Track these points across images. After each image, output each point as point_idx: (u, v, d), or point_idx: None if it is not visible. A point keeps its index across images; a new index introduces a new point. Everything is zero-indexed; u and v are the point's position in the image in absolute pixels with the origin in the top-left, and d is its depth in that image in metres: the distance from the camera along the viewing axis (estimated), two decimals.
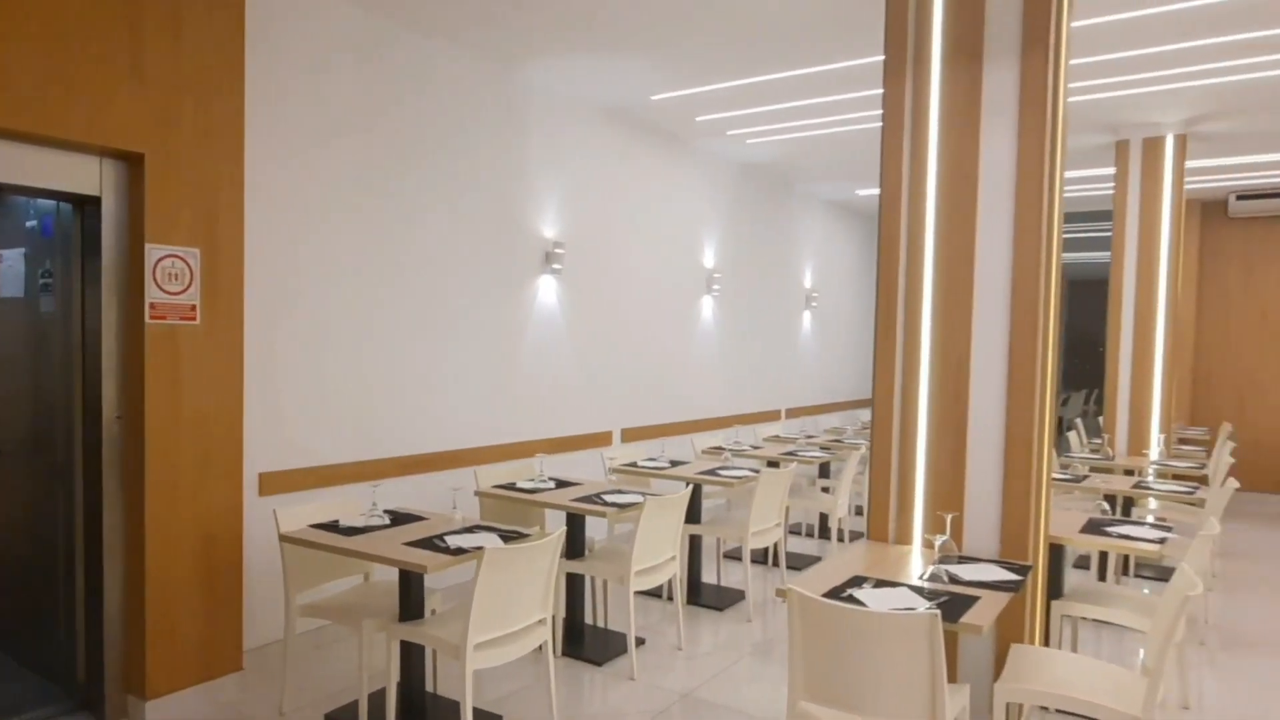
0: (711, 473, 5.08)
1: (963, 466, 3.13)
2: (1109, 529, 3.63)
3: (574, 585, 4.37)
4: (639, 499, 4.07)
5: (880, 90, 3.28)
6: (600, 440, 6.40)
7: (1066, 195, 8.92)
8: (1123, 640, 4.54)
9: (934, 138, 3.13)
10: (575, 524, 4.29)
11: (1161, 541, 3.43)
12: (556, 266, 5.85)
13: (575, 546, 4.30)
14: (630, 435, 6.71)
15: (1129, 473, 5.97)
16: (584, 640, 4.29)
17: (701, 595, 5.13)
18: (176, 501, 3.44)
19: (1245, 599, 5.37)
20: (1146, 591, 4.70)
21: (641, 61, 5.19)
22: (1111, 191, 6.84)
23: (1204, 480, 6.17)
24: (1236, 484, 4.80)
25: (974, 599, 2.55)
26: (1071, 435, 7.27)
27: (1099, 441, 6.83)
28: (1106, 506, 4.03)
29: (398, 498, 4.73)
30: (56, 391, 3.55)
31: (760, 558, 6.09)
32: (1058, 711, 3.39)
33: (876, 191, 3.37)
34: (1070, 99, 5.68)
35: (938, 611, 2.18)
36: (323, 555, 3.47)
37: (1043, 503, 3.15)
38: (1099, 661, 2.89)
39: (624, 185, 6.58)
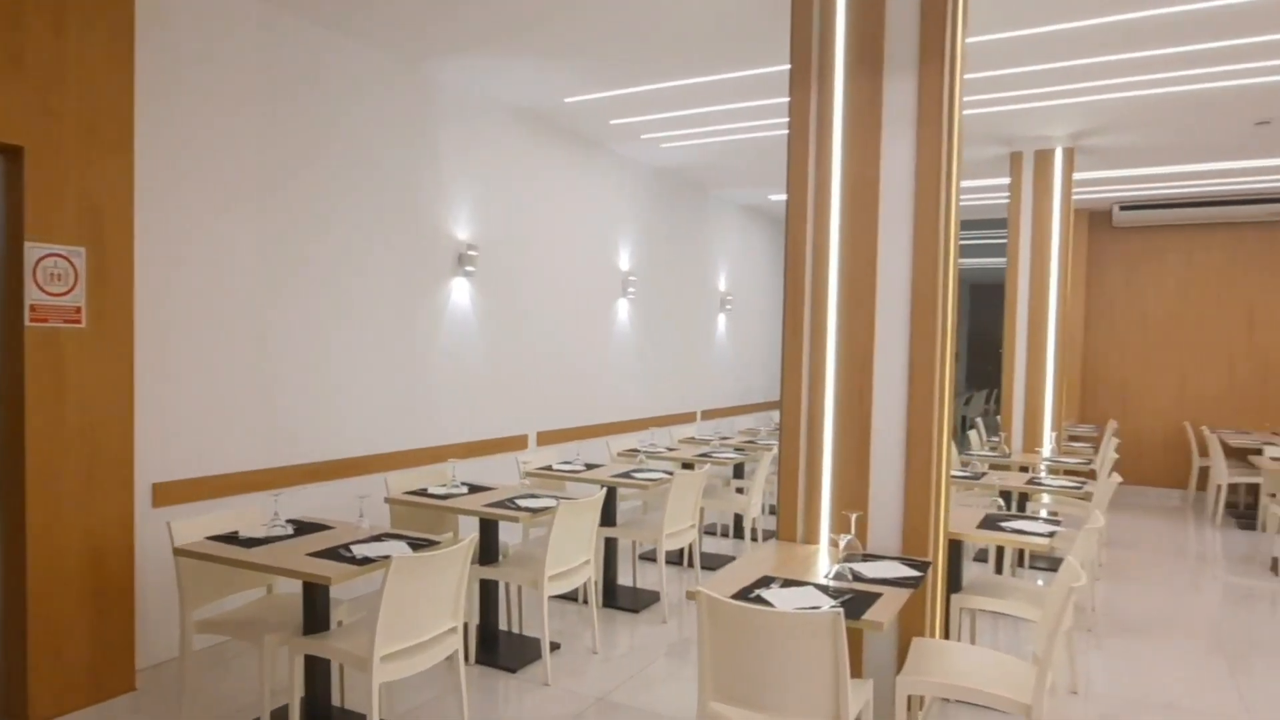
0: (626, 475, 5.10)
1: (867, 467, 3.22)
2: (1004, 524, 3.80)
3: (488, 591, 4.32)
4: (553, 503, 4.05)
5: (787, 98, 3.36)
6: (515, 444, 6.34)
7: (968, 203, 9.33)
8: (1019, 630, 4.76)
9: (838, 146, 3.22)
10: (488, 529, 4.24)
11: (1051, 535, 3.60)
12: (470, 269, 5.77)
13: (489, 552, 4.25)
14: (545, 438, 6.67)
15: (1024, 469, 6.26)
16: (498, 647, 4.25)
17: (617, 598, 5.14)
18: (61, 515, 3.25)
19: (1129, 586, 5.70)
20: (1040, 583, 4.93)
21: (554, 63, 5.18)
22: (1008, 200, 7.17)
23: (1092, 475, 6.52)
24: (1119, 478, 5.09)
25: (876, 596, 2.63)
26: (972, 434, 7.58)
27: (997, 439, 7.14)
28: (1001, 503, 4.21)
29: (302, 507, 4.58)
30: None
31: (676, 558, 6.15)
32: (958, 701, 3.54)
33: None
34: (967, 112, 5.93)
35: (840, 610, 2.24)
36: (221, 568, 3.33)
37: (943, 501, 3.27)
38: (994, 652, 3.02)
39: (539, 187, 6.54)
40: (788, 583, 2.74)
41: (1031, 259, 6.99)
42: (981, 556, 6.25)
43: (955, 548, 3.79)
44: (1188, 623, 4.95)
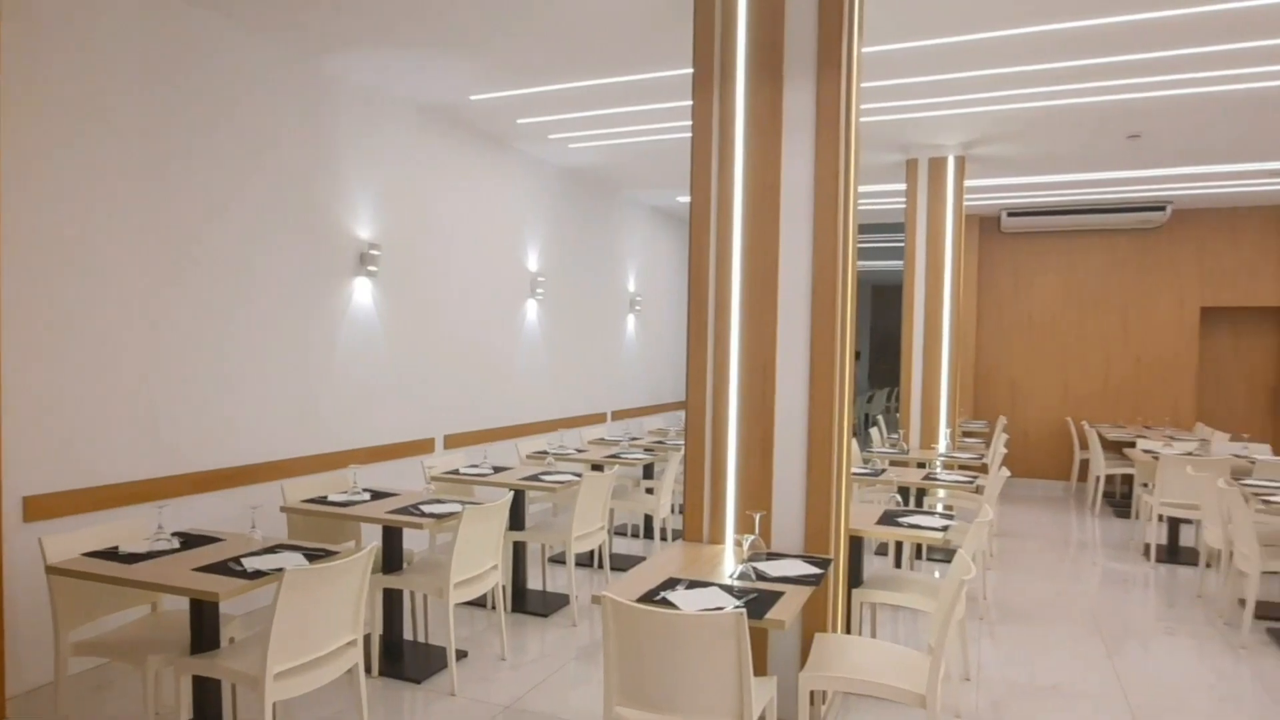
0: (535, 478, 5.05)
1: (770, 467, 3.28)
2: (901, 519, 3.93)
3: (392, 601, 4.21)
4: (458, 508, 3.97)
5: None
6: (422, 448, 6.20)
7: (869, 207, 9.63)
8: (917, 621, 4.93)
9: (740, 151, 3.27)
10: (392, 537, 4.13)
11: (945, 529, 3.75)
12: (372, 268, 5.61)
13: (392, 560, 4.14)
14: (453, 441, 6.55)
15: (921, 465, 6.50)
16: (403, 658, 4.14)
17: (527, 602, 5.08)
18: None
19: (1018, 574, 5.99)
20: (937, 574, 5.12)
21: (458, 60, 5.08)
22: (905, 205, 7.44)
23: (984, 469, 6.83)
24: (1008, 472, 5.34)
25: (779, 594, 2.68)
26: (874, 431, 7.82)
27: (896, 436, 7.40)
28: (899, 498, 4.35)
29: (190, 519, 4.36)
30: None
31: (586, 561, 6.13)
32: (859, 694, 3.64)
33: None
34: (866, 119, 6.12)
35: (744, 610, 2.27)
36: (100, 586, 3.13)
37: (844, 499, 3.36)
38: (893, 644, 3.11)
39: (444, 186, 6.41)
40: (693, 584, 2.76)
41: (927, 262, 7.27)
42: (883, 550, 6.45)
43: (856, 544, 3.90)
44: (1070, 608, 5.23)
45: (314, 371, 5.21)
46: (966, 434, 9.35)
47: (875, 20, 4.25)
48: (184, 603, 3.08)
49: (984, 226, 10.05)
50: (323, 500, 4.20)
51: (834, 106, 3.13)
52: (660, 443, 7.23)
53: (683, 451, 6.26)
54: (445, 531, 4.61)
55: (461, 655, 4.23)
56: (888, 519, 3.96)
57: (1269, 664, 4.36)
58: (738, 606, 2.41)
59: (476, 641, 4.46)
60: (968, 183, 7.98)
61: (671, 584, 2.76)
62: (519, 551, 5.17)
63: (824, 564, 3.05)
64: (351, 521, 4.30)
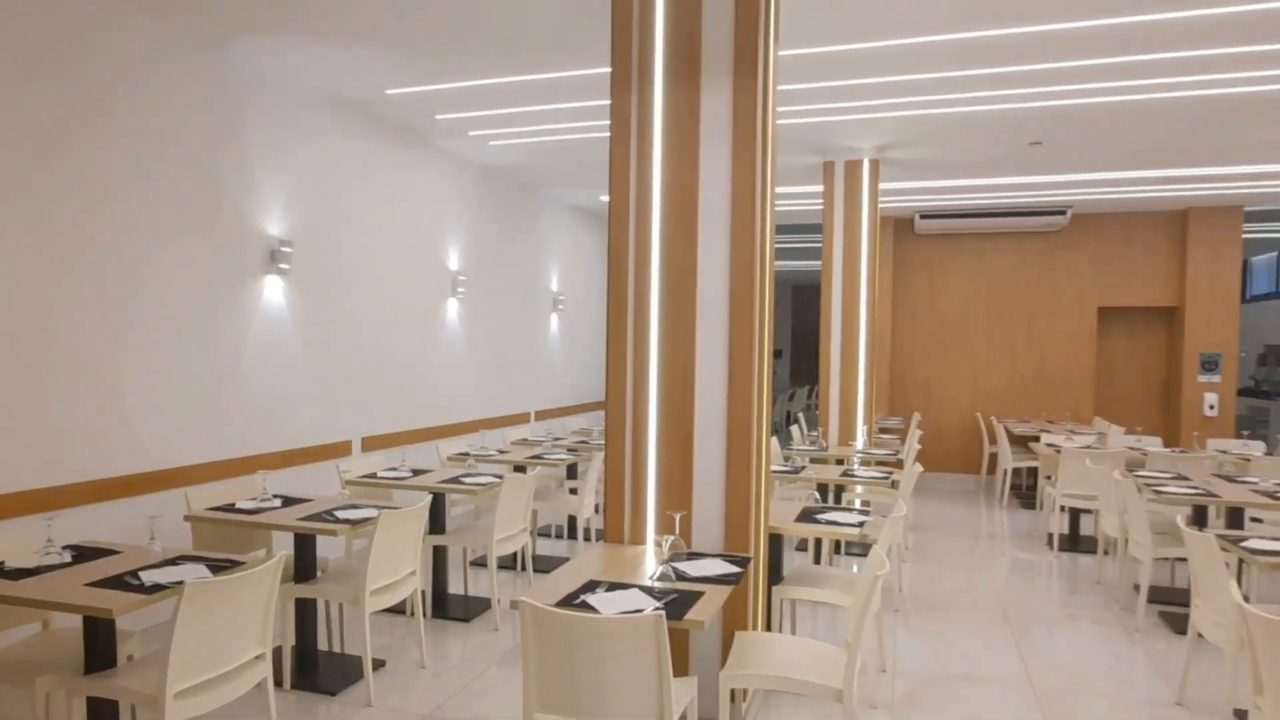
0: (455, 480, 4.96)
1: (690, 466, 3.29)
2: (819, 516, 4.00)
3: (305, 610, 4.07)
4: (374, 513, 3.87)
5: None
6: (338, 451, 6.02)
7: (789, 208, 9.79)
8: (836, 615, 5.04)
9: (658, 151, 3.27)
10: (305, 544, 3.99)
11: (861, 525, 3.83)
12: (284, 266, 5.41)
13: (305, 569, 4.01)
14: (371, 444, 6.38)
15: (840, 462, 6.64)
16: (317, 669, 4.01)
17: (448, 607, 4.99)
18: None
19: (932, 566, 6.18)
20: (856, 569, 5.24)
21: (373, 53, 4.95)
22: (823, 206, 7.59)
23: (900, 465, 7.02)
24: (920, 468, 5.50)
25: (699, 594, 2.69)
26: (794, 429, 7.96)
27: (816, 434, 7.54)
28: (817, 495, 4.43)
29: (85, 531, 4.12)
30: None
31: (509, 563, 6.05)
32: (779, 691, 3.69)
33: None
34: (783, 121, 6.21)
35: (663, 612, 2.26)
36: None
37: (763, 497, 3.40)
38: (812, 640, 3.16)
39: (360, 181, 6.24)
40: (613, 586, 2.74)
41: (844, 263, 7.43)
42: (803, 547, 6.57)
43: (776, 541, 3.95)
44: (980, 597, 5.43)
45: (221, 373, 5.00)
46: (883, 431, 9.61)
47: (792, 24, 4.32)
48: (78, 620, 2.91)
49: (898, 228, 10.35)
50: (230, 508, 4.03)
51: (751, 108, 3.16)
52: (584, 442, 7.20)
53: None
54: (361, 537, 4.49)
55: (379, 664, 4.12)
56: (806, 516, 4.02)
57: (1160, 645, 4.60)
58: (657, 608, 2.41)
59: (395, 650, 4.36)
60: (882, 185, 8.19)
61: (592, 587, 2.74)
62: (439, 556, 5.08)
63: (743, 562, 3.08)
64: (261, 530, 4.14)
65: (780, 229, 11.76)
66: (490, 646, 4.43)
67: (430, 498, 4.31)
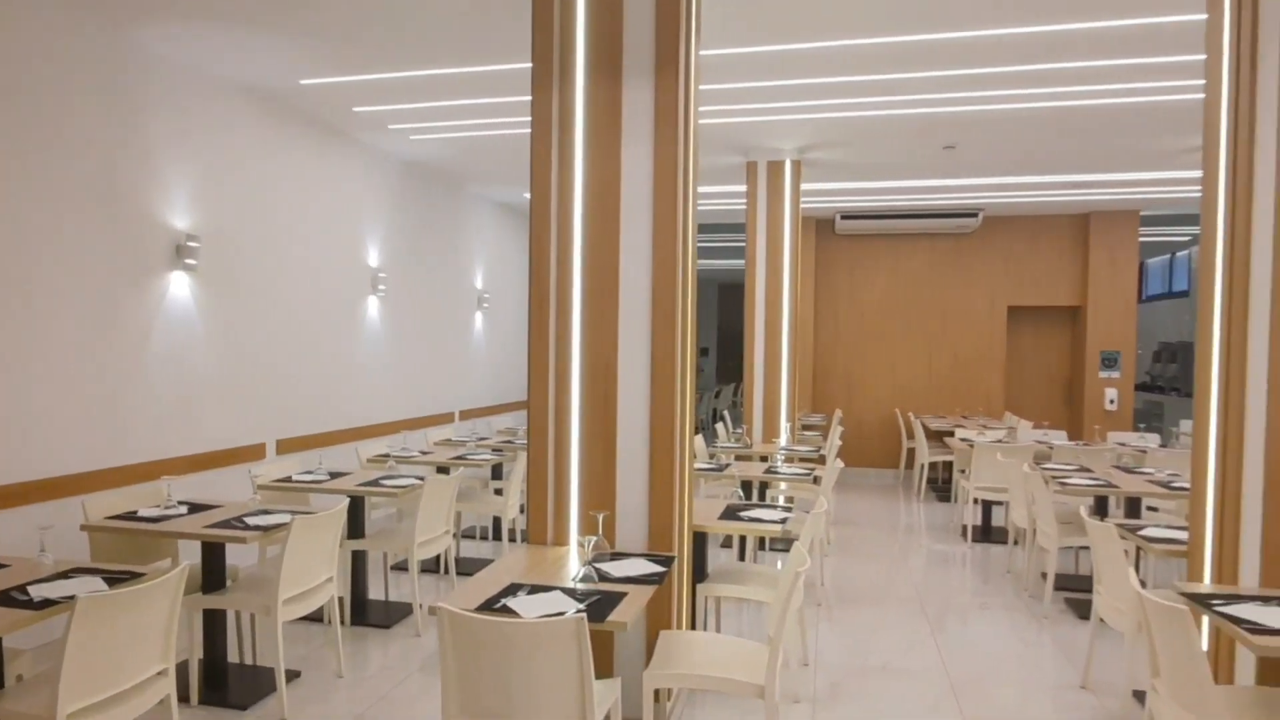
0: (375, 483, 4.83)
1: (613, 466, 3.27)
2: (742, 514, 4.03)
3: (215, 622, 3.90)
4: (287, 518, 3.73)
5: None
6: (251, 454, 5.80)
7: (715, 208, 9.87)
8: (761, 612, 5.09)
9: (579, 148, 3.24)
10: (213, 553, 3.82)
11: (783, 522, 3.88)
12: (191, 261, 5.18)
13: (214, 578, 3.84)
14: (287, 446, 6.17)
15: (764, 459, 6.72)
16: (227, 683, 3.85)
17: (368, 614, 4.86)
18: None
19: (853, 560, 6.31)
20: (780, 565, 5.32)
21: (286, 40, 4.77)
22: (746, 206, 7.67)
23: (823, 461, 7.15)
24: (842, 464, 5.61)
25: (622, 595, 2.67)
26: (719, 426, 8.03)
27: (741, 431, 7.62)
28: (741, 493, 4.47)
29: None
30: None
31: (433, 566, 5.94)
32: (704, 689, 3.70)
33: None
34: (706, 121, 6.25)
35: (584, 614, 2.24)
36: None
37: (686, 496, 3.40)
38: (735, 638, 3.18)
39: (274, 173, 6.02)
40: (535, 589, 2.70)
41: (767, 262, 7.52)
42: (728, 544, 6.63)
43: (700, 539, 3.96)
44: (899, 589, 5.57)
45: (122, 374, 4.75)
46: (806, 427, 9.78)
47: (715, 24, 4.34)
48: None
49: (820, 228, 10.54)
50: (132, 516, 3.83)
51: (672, 106, 3.16)
52: (509, 442, 7.11)
53: None
54: (275, 544, 4.33)
55: (294, 675, 3.98)
56: (730, 514, 4.05)
57: (1065, 630, 4.80)
58: (579, 610, 2.38)
59: (312, 660, 4.21)
60: (804, 186, 8.32)
61: (513, 590, 2.70)
62: (359, 561, 4.94)
63: (667, 562, 3.08)
64: (166, 539, 3.96)
65: (706, 228, 11.85)
66: (412, 653, 4.33)
67: (348, 501, 4.19)
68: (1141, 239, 10.40)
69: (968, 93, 5.45)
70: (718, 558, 6.17)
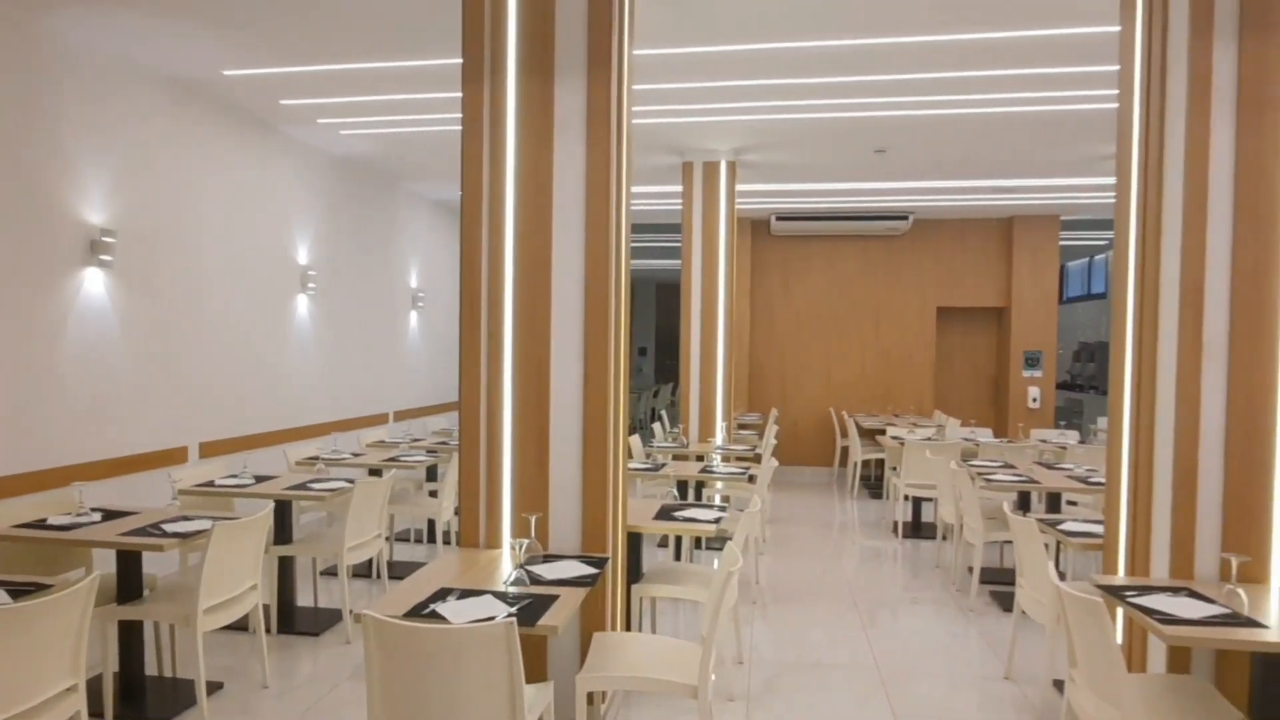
0: (303, 486, 4.70)
1: (546, 467, 3.24)
2: (677, 513, 4.04)
3: (131, 633, 3.74)
4: (208, 525, 3.60)
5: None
6: (173, 458, 5.59)
7: (651, 208, 9.88)
8: (697, 612, 5.11)
9: (511, 146, 3.20)
10: (128, 562, 3.67)
11: (717, 521, 3.89)
12: (106, 257, 4.96)
13: (130, 588, 3.68)
14: (211, 450, 5.96)
15: (700, 458, 6.76)
16: (144, 697, 3.70)
17: (296, 622, 4.73)
18: None
19: (788, 557, 6.39)
20: (716, 564, 5.35)
21: (208, 30, 4.60)
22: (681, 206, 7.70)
23: (758, 459, 7.22)
24: (776, 462, 5.67)
25: (555, 597, 2.64)
26: (656, 426, 8.05)
27: (677, 430, 7.65)
28: (676, 493, 4.48)
29: None
30: None
31: (365, 570, 5.81)
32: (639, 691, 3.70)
33: None
34: (641, 121, 6.25)
35: (514, 619, 2.21)
36: None
37: (620, 495, 3.39)
38: (670, 639, 3.18)
39: (197, 168, 5.80)
40: (465, 593, 2.66)
41: (703, 262, 7.57)
42: (665, 543, 6.64)
43: (635, 540, 3.95)
44: (831, 586, 5.66)
45: (30, 376, 4.52)
46: (742, 426, 9.87)
47: (649, 24, 4.34)
48: None
49: (755, 229, 10.65)
50: (40, 524, 3.65)
51: (605, 105, 3.14)
52: (444, 443, 7.00)
53: None
54: (195, 551, 4.18)
55: (216, 687, 3.85)
56: (665, 514, 4.05)
57: (990, 622, 4.94)
58: (509, 615, 2.35)
59: (235, 670, 4.08)
60: (739, 187, 8.40)
61: (443, 595, 2.65)
62: (286, 567, 4.80)
63: (601, 563, 3.06)
64: (78, 548, 3.78)
65: (644, 228, 11.87)
66: (342, 661, 4.23)
67: (273, 505, 4.06)
68: (1062, 243, 10.78)
69: (897, 98, 5.57)
70: (654, 558, 6.18)
